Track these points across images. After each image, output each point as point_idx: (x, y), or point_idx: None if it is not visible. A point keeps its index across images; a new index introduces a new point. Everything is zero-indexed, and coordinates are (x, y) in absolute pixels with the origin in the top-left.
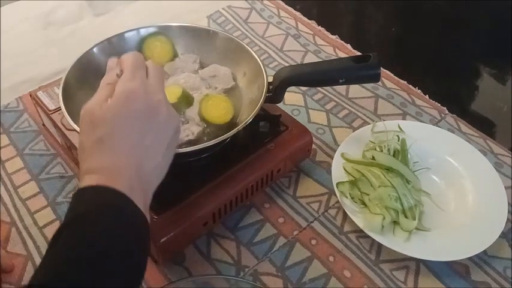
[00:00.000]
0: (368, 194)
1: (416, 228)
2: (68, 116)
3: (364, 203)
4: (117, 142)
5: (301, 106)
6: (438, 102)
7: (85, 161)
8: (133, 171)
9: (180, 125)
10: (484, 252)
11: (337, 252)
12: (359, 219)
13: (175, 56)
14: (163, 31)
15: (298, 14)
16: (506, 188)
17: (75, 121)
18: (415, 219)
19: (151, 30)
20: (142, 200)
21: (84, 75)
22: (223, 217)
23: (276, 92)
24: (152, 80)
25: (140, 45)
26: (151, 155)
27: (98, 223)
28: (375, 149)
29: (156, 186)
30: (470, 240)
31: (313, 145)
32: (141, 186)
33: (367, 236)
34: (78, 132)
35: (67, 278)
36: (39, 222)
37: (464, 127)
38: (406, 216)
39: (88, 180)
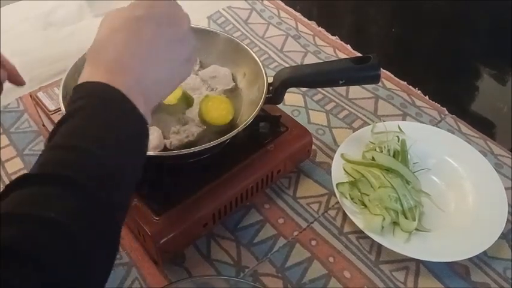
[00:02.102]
0: (368, 195)
1: (416, 229)
2: None
3: (364, 204)
4: (126, 40)
5: (301, 107)
6: (438, 103)
7: (94, 51)
8: (133, 75)
9: (195, 57)
10: (484, 253)
11: (337, 253)
12: (359, 220)
13: None
14: None
15: (298, 14)
16: (506, 188)
17: None
18: (415, 220)
19: None
20: (142, 103)
21: None
22: (223, 218)
23: (276, 93)
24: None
25: None
26: (154, 65)
27: (94, 116)
28: (375, 150)
29: (155, 102)
30: (470, 241)
31: (313, 146)
32: (140, 92)
33: (367, 237)
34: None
35: (61, 164)
36: None
37: (464, 128)
38: (406, 217)
39: (88, 74)
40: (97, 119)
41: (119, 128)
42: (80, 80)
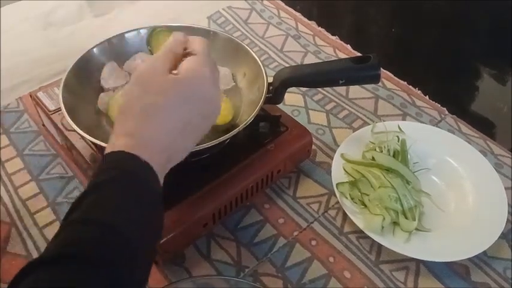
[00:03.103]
0: (368, 195)
1: (416, 229)
2: (68, 116)
3: (364, 204)
4: (164, 117)
5: (301, 107)
6: (438, 103)
7: (122, 123)
8: (165, 148)
9: (220, 110)
10: (484, 253)
11: (337, 252)
12: (359, 219)
13: None
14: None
15: (298, 14)
16: (506, 188)
17: (75, 122)
18: (415, 220)
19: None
20: (162, 175)
21: (84, 76)
22: (223, 218)
23: (276, 93)
24: (217, 74)
25: (149, 37)
26: (187, 140)
27: (119, 191)
28: (375, 150)
29: (173, 165)
30: (470, 241)
31: (313, 146)
32: (166, 164)
33: (367, 237)
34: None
35: (81, 243)
36: (39, 223)
37: (464, 128)
38: (406, 217)
39: (118, 141)
40: (123, 195)
41: (144, 207)
42: (111, 143)
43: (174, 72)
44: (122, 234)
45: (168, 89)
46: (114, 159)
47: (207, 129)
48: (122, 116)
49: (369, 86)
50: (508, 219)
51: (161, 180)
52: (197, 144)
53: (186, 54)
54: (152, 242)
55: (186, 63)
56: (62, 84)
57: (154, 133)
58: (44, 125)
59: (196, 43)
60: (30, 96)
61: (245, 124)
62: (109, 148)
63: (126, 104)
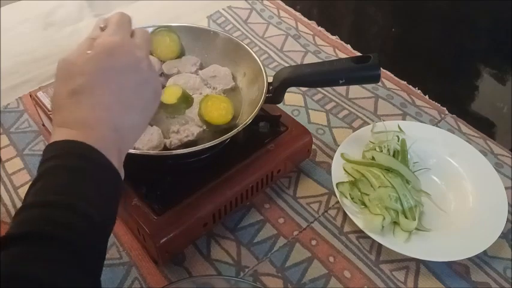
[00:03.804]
0: (368, 195)
1: (416, 229)
2: None
3: (364, 204)
4: (94, 95)
5: (301, 106)
6: (438, 103)
7: (58, 113)
8: (109, 127)
9: (161, 88)
10: (484, 252)
11: (337, 252)
12: (359, 219)
13: (182, 55)
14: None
15: (298, 14)
16: (506, 188)
17: None
18: (415, 220)
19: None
20: (116, 157)
21: None
22: (223, 217)
23: (276, 93)
24: (137, 39)
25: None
26: (128, 113)
27: (67, 176)
28: (375, 150)
29: (131, 147)
30: (470, 241)
31: (313, 145)
32: (116, 144)
33: (367, 237)
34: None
35: (31, 225)
36: None
37: (464, 127)
38: (406, 217)
39: (59, 135)
40: (69, 176)
41: (95, 183)
42: (52, 140)
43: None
44: (77, 208)
45: (87, 67)
46: (53, 148)
47: (152, 101)
48: (54, 111)
49: (369, 86)
50: (508, 219)
51: (117, 161)
52: (197, 144)
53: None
54: (109, 213)
55: (98, 38)
56: None
57: (89, 114)
58: (44, 125)
59: (110, 18)
60: (30, 96)
61: (245, 124)
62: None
63: (54, 97)
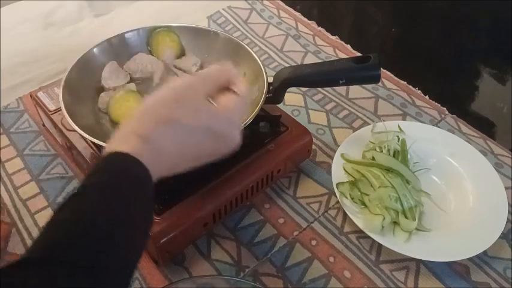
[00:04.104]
0: (368, 195)
1: (417, 229)
2: (68, 116)
3: (364, 204)
4: (185, 136)
5: (301, 107)
6: (438, 103)
7: (140, 122)
8: (170, 164)
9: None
10: (484, 252)
11: (337, 252)
12: (359, 219)
13: (182, 55)
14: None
15: (298, 14)
16: (506, 188)
17: (76, 121)
18: (415, 220)
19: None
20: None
21: (84, 76)
22: (224, 217)
23: (276, 93)
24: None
25: (149, 37)
26: (192, 163)
27: (111, 195)
28: (375, 150)
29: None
30: (471, 241)
31: (313, 145)
32: (162, 174)
33: (367, 237)
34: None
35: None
36: (39, 223)
37: (464, 127)
38: (406, 217)
39: (127, 139)
40: (115, 198)
41: (134, 210)
42: (119, 140)
43: (210, 100)
44: (109, 235)
45: (201, 114)
46: (115, 160)
47: (210, 160)
48: (142, 115)
49: (369, 86)
50: (508, 219)
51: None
52: None
53: (226, 87)
54: (139, 244)
55: (228, 101)
56: (62, 84)
57: (169, 147)
58: (44, 125)
59: (242, 85)
60: (30, 96)
61: (245, 124)
62: (114, 145)
63: (154, 106)
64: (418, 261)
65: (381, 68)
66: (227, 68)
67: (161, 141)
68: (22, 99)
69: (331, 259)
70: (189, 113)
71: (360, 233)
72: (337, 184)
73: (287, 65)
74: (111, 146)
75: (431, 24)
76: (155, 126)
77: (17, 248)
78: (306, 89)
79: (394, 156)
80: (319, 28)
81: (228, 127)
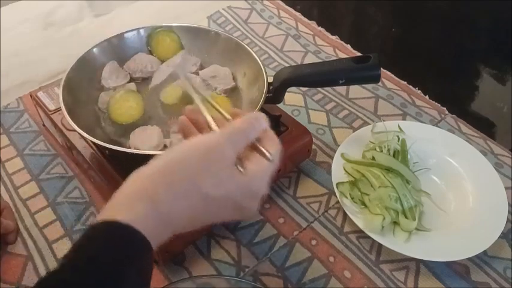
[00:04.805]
0: (368, 195)
1: (416, 229)
2: (68, 116)
3: (364, 204)
4: (202, 204)
5: (301, 106)
6: (438, 103)
7: (153, 184)
8: (177, 228)
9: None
10: (484, 252)
11: (337, 252)
12: (359, 219)
13: None
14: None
15: (298, 14)
16: (506, 188)
17: (75, 121)
18: (415, 220)
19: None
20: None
21: (84, 76)
22: None
23: (276, 93)
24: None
25: (149, 37)
26: (198, 225)
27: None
28: (375, 150)
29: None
30: (470, 241)
31: (313, 145)
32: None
33: (367, 237)
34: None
35: None
36: (39, 223)
37: (464, 127)
38: (406, 217)
39: (136, 204)
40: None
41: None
42: (123, 202)
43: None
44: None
45: (225, 185)
46: (111, 234)
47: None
48: (155, 173)
49: (369, 86)
50: (508, 219)
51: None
52: None
53: (255, 146)
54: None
55: (256, 168)
56: (62, 84)
57: (180, 213)
58: (44, 124)
59: (273, 147)
60: (31, 96)
61: None
62: (116, 210)
63: (170, 165)
64: (418, 261)
65: (381, 68)
66: (258, 122)
67: (173, 207)
68: (22, 99)
69: (331, 259)
70: (211, 181)
71: (360, 233)
72: (337, 184)
73: (287, 65)
74: (111, 212)
75: (431, 24)
76: (168, 189)
77: (16, 248)
78: (306, 88)
79: (394, 156)
80: (319, 28)
81: (250, 199)
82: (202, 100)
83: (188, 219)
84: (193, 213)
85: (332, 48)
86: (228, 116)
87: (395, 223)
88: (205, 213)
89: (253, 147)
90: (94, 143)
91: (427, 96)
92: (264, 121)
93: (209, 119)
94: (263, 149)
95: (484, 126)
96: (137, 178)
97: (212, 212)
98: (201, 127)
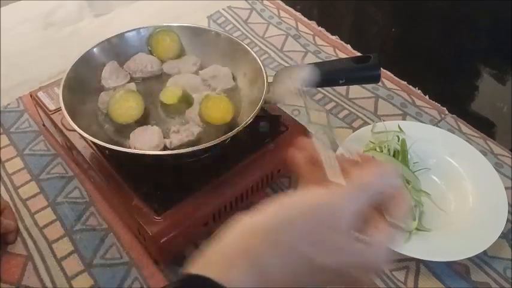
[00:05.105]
0: None
1: (417, 229)
2: (68, 116)
3: None
4: (298, 270)
5: (301, 106)
6: (438, 103)
7: (253, 248)
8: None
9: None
10: (484, 252)
11: None
12: None
13: (182, 55)
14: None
15: (298, 14)
16: (506, 188)
17: (75, 121)
18: (415, 220)
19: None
20: None
21: (84, 75)
22: (224, 217)
23: None
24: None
25: (149, 37)
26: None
27: None
28: (375, 150)
29: None
30: (471, 241)
31: None
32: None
33: None
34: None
35: None
36: (39, 223)
37: (465, 127)
38: None
39: (232, 264)
40: None
41: None
42: (219, 261)
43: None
44: None
45: (342, 256)
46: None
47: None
48: (258, 230)
49: (369, 86)
50: (508, 219)
51: None
52: (197, 144)
53: (379, 207)
54: None
55: (380, 236)
56: (62, 84)
57: (281, 280)
58: (44, 124)
59: (401, 209)
60: (31, 96)
61: (245, 124)
62: (214, 263)
63: (280, 224)
64: (418, 261)
65: (381, 68)
66: (389, 177)
67: (274, 274)
68: (22, 99)
69: None
70: (326, 251)
71: None
72: None
73: (287, 65)
74: (204, 266)
75: (431, 24)
76: (272, 254)
77: (16, 248)
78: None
79: (394, 156)
80: (319, 28)
81: (366, 272)
82: (322, 129)
83: (285, 284)
84: (295, 281)
85: (332, 48)
86: (353, 156)
87: None
88: (310, 281)
89: (376, 207)
90: (94, 143)
91: (427, 96)
92: (394, 176)
93: (325, 160)
94: (391, 212)
95: (484, 126)
96: (240, 232)
97: (317, 280)
98: (314, 161)
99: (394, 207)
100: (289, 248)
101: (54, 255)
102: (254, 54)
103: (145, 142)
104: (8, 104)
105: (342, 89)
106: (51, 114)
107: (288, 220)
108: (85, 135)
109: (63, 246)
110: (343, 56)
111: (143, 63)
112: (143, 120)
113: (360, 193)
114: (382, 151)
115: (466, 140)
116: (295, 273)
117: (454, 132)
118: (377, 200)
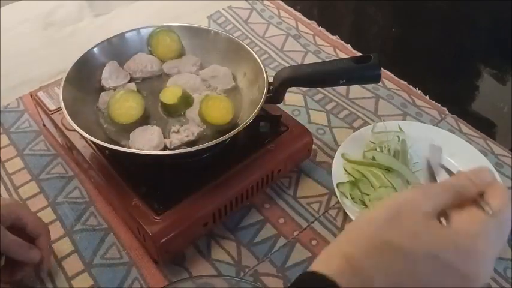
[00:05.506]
0: (368, 195)
1: None
2: (68, 116)
3: (364, 204)
4: (388, 260)
5: (301, 106)
6: (438, 103)
7: (341, 239)
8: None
9: None
10: None
11: None
12: None
13: (182, 55)
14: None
15: (298, 14)
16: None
17: (75, 121)
18: None
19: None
20: None
21: (84, 75)
22: (224, 217)
23: (276, 93)
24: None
25: (149, 37)
26: None
27: None
28: (375, 150)
29: None
30: None
31: (313, 145)
32: None
33: None
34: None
35: None
36: None
37: (465, 127)
38: None
39: (332, 259)
40: None
41: None
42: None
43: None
44: None
45: (421, 237)
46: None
47: None
48: (351, 231)
49: (369, 86)
50: None
51: None
52: (197, 144)
53: (476, 201)
54: None
55: (463, 219)
56: (62, 84)
57: (378, 277)
58: (44, 124)
59: (496, 200)
60: (31, 96)
61: (245, 124)
62: (319, 264)
63: (365, 223)
64: None
65: (381, 68)
66: (479, 176)
67: (367, 266)
68: (22, 99)
69: None
70: (403, 233)
71: None
72: (338, 184)
73: (287, 65)
74: (316, 264)
75: (431, 24)
76: (362, 246)
77: None
78: (306, 88)
79: (394, 156)
80: (320, 28)
81: (466, 260)
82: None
83: (391, 280)
84: (393, 279)
85: (332, 48)
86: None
87: None
88: (409, 279)
89: (475, 202)
90: (94, 143)
91: (427, 96)
92: (487, 174)
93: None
94: (482, 202)
95: (484, 126)
96: (338, 238)
97: (419, 277)
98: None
99: (489, 197)
100: (377, 239)
101: (54, 255)
102: (254, 54)
103: (145, 142)
104: (8, 104)
105: (342, 89)
106: (51, 114)
107: (375, 217)
108: (85, 135)
109: (63, 246)
110: (343, 56)
111: (143, 63)
112: (143, 120)
113: (432, 189)
114: (382, 151)
115: (467, 140)
116: (388, 265)
117: (454, 133)
118: (463, 195)
